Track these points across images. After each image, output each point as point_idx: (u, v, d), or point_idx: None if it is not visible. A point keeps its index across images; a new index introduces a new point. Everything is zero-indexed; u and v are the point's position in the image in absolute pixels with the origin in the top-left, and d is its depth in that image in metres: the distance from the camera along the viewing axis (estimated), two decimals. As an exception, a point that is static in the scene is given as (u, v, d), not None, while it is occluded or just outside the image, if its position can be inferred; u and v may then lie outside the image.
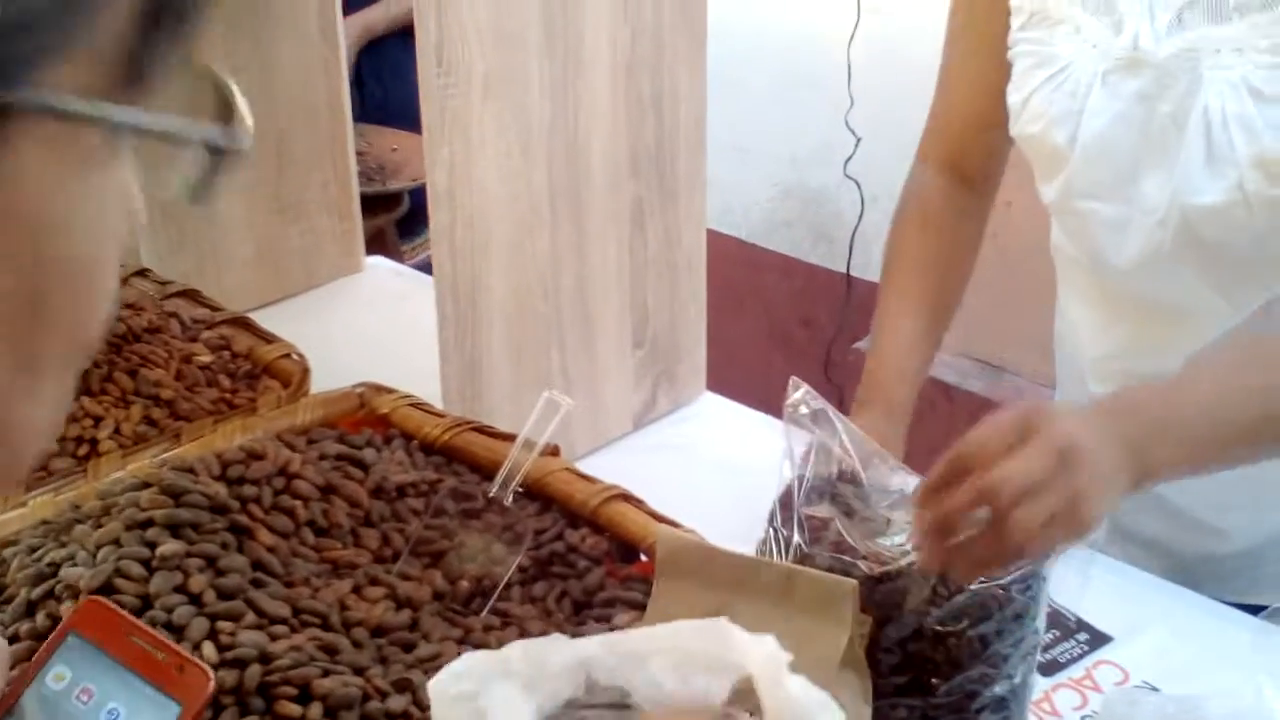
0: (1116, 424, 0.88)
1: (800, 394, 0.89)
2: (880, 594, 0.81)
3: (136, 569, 0.80)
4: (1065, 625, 1.06)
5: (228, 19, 1.47)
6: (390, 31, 2.66)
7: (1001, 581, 0.82)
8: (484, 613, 0.90)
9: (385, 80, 2.68)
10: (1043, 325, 1.36)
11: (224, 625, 0.77)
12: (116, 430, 1.12)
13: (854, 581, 0.77)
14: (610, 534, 0.95)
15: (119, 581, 0.79)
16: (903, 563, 0.82)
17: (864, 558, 0.82)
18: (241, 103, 0.38)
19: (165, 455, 1.02)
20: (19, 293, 0.34)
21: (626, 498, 0.96)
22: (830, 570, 0.81)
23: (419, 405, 1.09)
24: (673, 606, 0.79)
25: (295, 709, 0.73)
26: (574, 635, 0.76)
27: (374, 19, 2.66)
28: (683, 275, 1.36)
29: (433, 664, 0.82)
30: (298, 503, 0.92)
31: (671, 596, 0.80)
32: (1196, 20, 1.02)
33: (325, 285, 1.67)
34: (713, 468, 1.29)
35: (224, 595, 0.80)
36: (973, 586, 0.81)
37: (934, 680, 0.81)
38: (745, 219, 3.12)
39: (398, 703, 0.76)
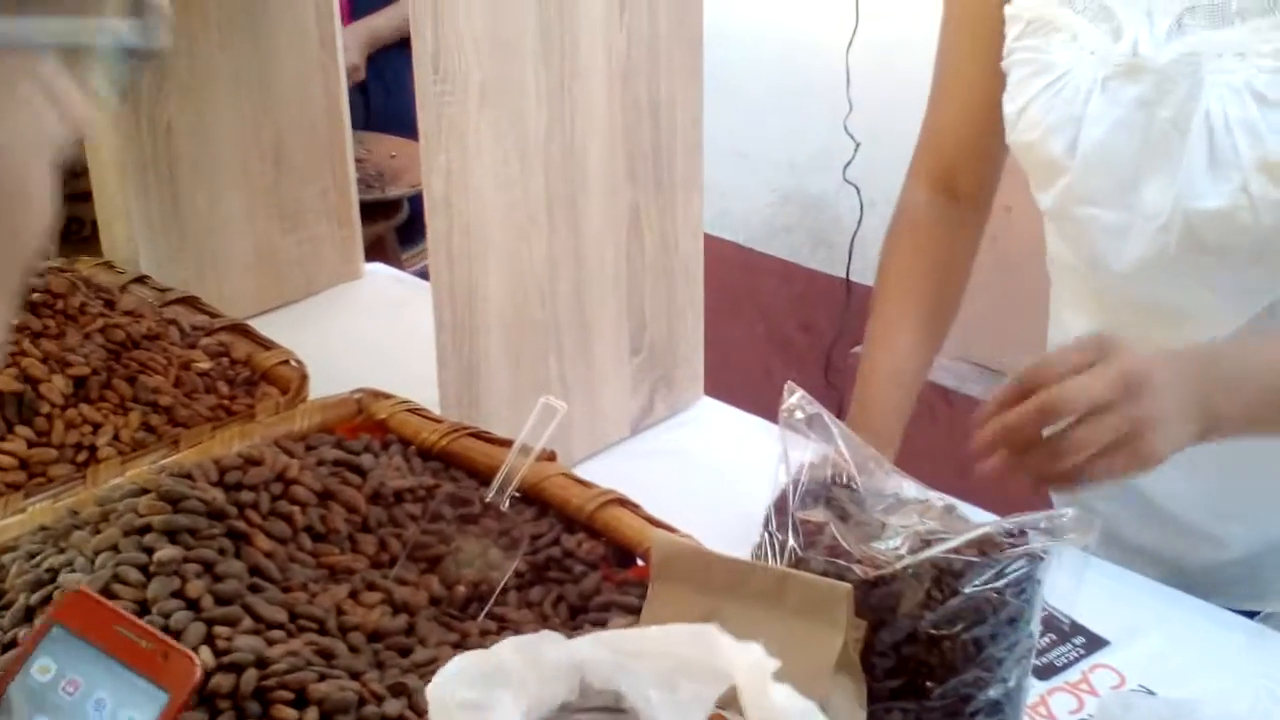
0: (1190, 369, 0.89)
1: (796, 398, 0.89)
2: (875, 598, 0.81)
3: (134, 574, 0.81)
4: (1060, 629, 1.07)
5: (226, 26, 1.48)
6: (396, 39, 2.67)
7: (996, 586, 0.82)
8: (480, 617, 0.90)
9: (391, 88, 2.69)
10: (1041, 330, 1.36)
11: (221, 630, 0.77)
12: (115, 437, 1.12)
13: (848, 585, 0.78)
14: (606, 539, 0.95)
15: (117, 587, 0.80)
16: (897, 567, 0.82)
17: (859, 562, 0.83)
18: None
19: (164, 461, 1.02)
20: None
21: (623, 502, 0.97)
22: (825, 574, 0.81)
23: (416, 411, 1.10)
24: (667, 611, 0.79)
25: (291, 713, 0.74)
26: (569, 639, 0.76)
27: (379, 26, 2.68)
28: (680, 281, 1.37)
29: (429, 668, 0.82)
30: (295, 508, 0.93)
31: (666, 601, 0.81)
32: (1197, 25, 1.02)
33: (324, 292, 1.67)
34: (710, 473, 1.29)
35: (221, 600, 0.80)
36: (967, 590, 0.82)
37: (928, 684, 0.82)
38: (745, 224, 3.12)
39: (393, 707, 0.76)
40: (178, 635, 0.77)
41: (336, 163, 1.64)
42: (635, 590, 0.89)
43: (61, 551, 0.86)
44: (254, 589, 0.84)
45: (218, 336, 1.29)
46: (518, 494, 0.97)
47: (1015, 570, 0.83)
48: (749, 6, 2.89)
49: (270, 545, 0.89)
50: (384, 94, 2.71)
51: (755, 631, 0.67)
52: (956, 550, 0.82)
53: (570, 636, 0.71)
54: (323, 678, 0.76)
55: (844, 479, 0.89)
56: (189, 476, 0.91)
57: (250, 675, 0.75)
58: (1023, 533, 0.83)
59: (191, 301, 1.36)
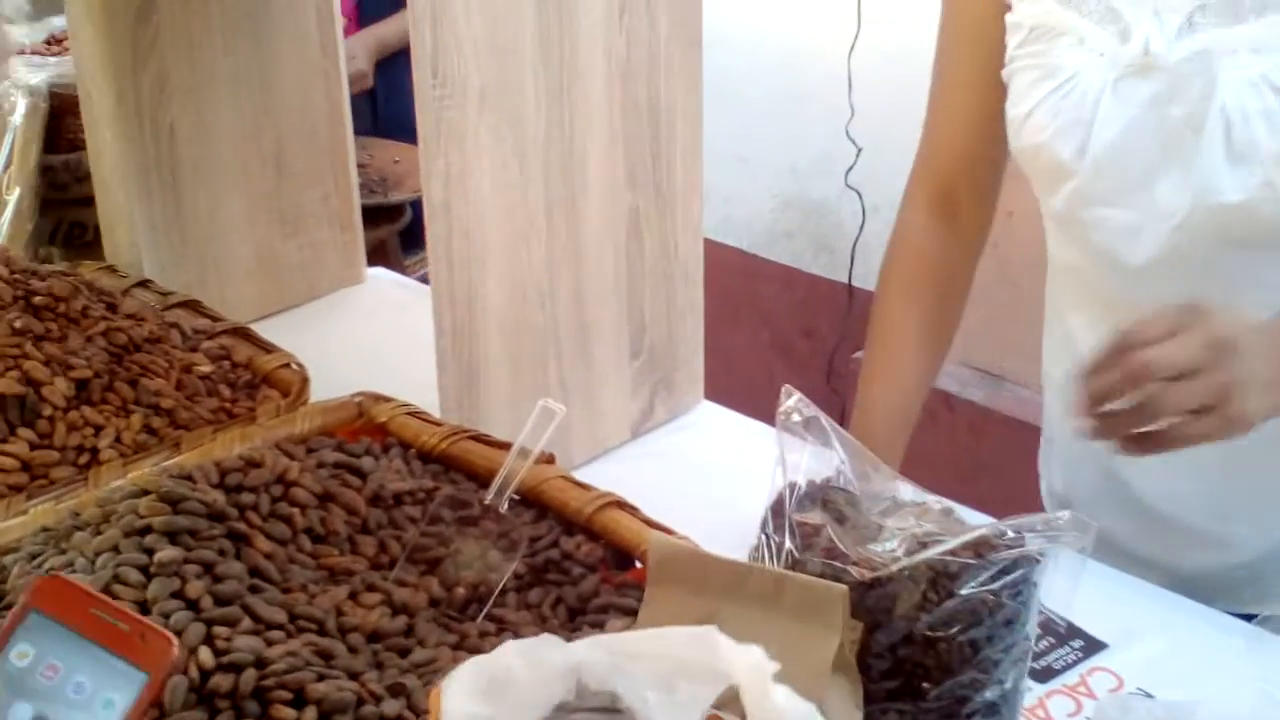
0: (1277, 338, 0.90)
1: (793, 401, 0.90)
2: (871, 599, 0.81)
3: (134, 575, 0.81)
4: (1058, 632, 1.07)
5: (228, 30, 1.49)
6: (403, 46, 2.68)
7: (992, 588, 0.83)
8: (479, 619, 0.90)
9: (398, 94, 2.70)
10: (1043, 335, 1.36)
11: (220, 630, 0.78)
12: (117, 439, 1.13)
13: (844, 587, 0.78)
14: (605, 541, 0.95)
15: (117, 588, 0.80)
16: (893, 568, 0.82)
17: (855, 564, 0.83)
18: None
19: (165, 464, 1.03)
20: None
21: (621, 505, 0.97)
22: (821, 576, 0.81)
23: (417, 414, 1.10)
24: (664, 612, 0.80)
25: (290, 713, 0.74)
26: (568, 641, 0.76)
27: (386, 34, 2.68)
28: (680, 285, 1.37)
29: (428, 668, 0.82)
30: (295, 510, 0.93)
31: (663, 602, 0.81)
32: (1208, 22, 1.03)
33: (326, 296, 1.68)
34: (710, 476, 1.29)
35: (221, 601, 0.81)
36: (963, 592, 0.82)
37: (925, 685, 0.82)
38: (748, 230, 3.13)
39: (392, 707, 0.76)
40: (178, 635, 0.77)
41: (338, 167, 1.65)
42: (634, 592, 0.89)
43: (63, 552, 0.86)
44: (254, 590, 0.84)
45: (219, 340, 1.29)
46: (517, 496, 0.98)
47: (1011, 572, 0.83)
48: (751, 12, 2.89)
49: (270, 547, 0.89)
50: (391, 100, 2.72)
51: (752, 633, 0.68)
52: (952, 552, 0.82)
53: (569, 638, 0.72)
54: (321, 678, 0.76)
55: (841, 482, 0.90)
56: (190, 478, 0.92)
57: (249, 675, 0.75)
58: (1019, 535, 0.83)
59: (193, 305, 1.37)
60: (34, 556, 0.87)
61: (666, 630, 0.70)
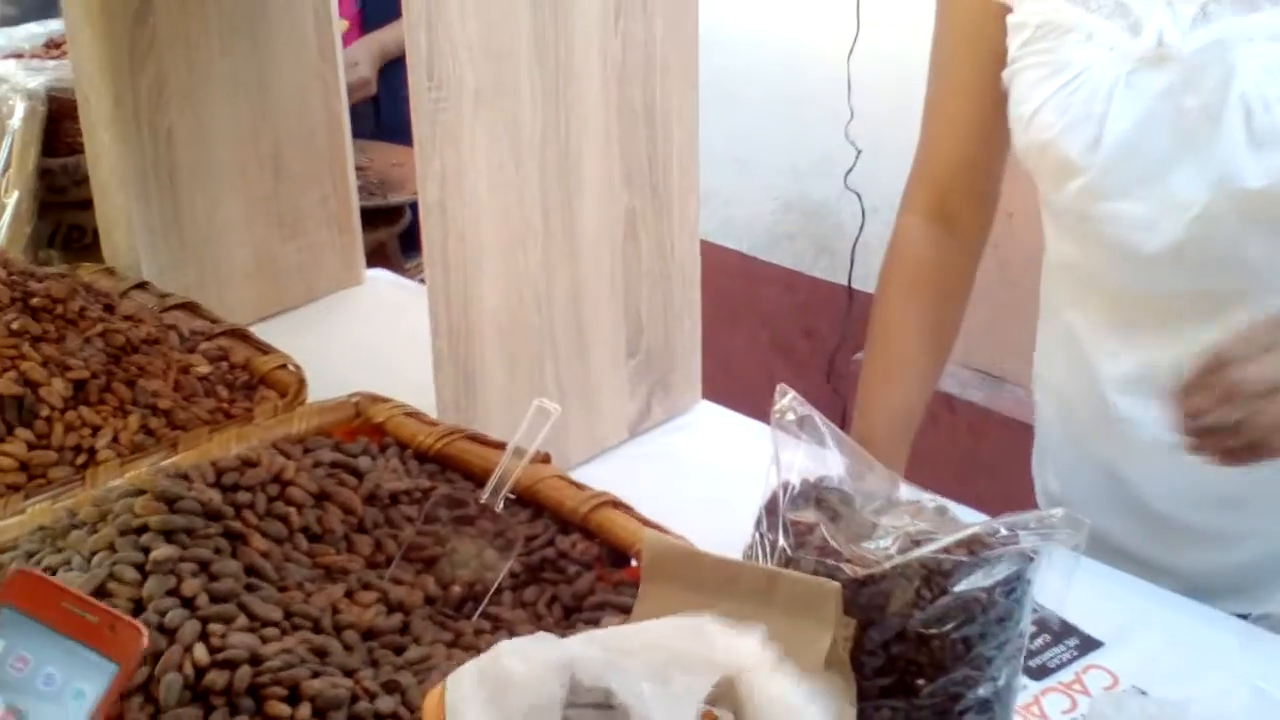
0: None
1: (787, 400, 0.90)
2: (864, 597, 0.82)
3: (130, 573, 0.81)
4: (1053, 630, 1.07)
5: (226, 33, 1.49)
6: (404, 52, 2.68)
7: (985, 585, 0.83)
8: (475, 617, 0.91)
9: (400, 99, 2.71)
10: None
11: (215, 628, 0.78)
12: (114, 439, 1.13)
13: (837, 584, 0.78)
14: (600, 540, 0.96)
15: (113, 586, 0.80)
16: (886, 566, 0.82)
17: (848, 561, 0.83)
18: None
19: (162, 464, 1.03)
20: None
21: (616, 504, 0.97)
22: (815, 574, 0.81)
23: (413, 414, 1.11)
24: (658, 609, 0.80)
25: (284, 709, 0.74)
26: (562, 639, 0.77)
27: (388, 39, 2.69)
28: (676, 285, 1.37)
29: (422, 666, 0.83)
30: (291, 509, 0.93)
31: (657, 600, 0.81)
32: (1223, 12, 1.03)
33: (325, 298, 1.68)
34: (708, 476, 1.29)
35: (216, 599, 0.81)
36: (956, 589, 0.82)
37: (918, 682, 0.82)
38: (747, 232, 3.13)
39: (386, 704, 0.77)
40: (173, 633, 0.78)
41: (336, 170, 1.65)
42: (629, 590, 0.89)
43: (59, 551, 0.86)
44: (249, 588, 0.84)
45: (217, 341, 1.30)
46: (512, 496, 0.98)
47: (1004, 570, 0.83)
48: (751, 13, 2.90)
49: (266, 545, 0.89)
50: (394, 105, 2.72)
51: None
52: (946, 550, 0.82)
53: (564, 637, 0.72)
54: (316, 675, 0.77)
55: (835, 480, 0.90)
56: (186, 477, 0.92)
57: (244, 672, 0.75)
58: (1013, 533, 0.83)
59: (191, 307, 1.37)
60: (31, 555, 0.88)
61: (658, 622, 0.70)
